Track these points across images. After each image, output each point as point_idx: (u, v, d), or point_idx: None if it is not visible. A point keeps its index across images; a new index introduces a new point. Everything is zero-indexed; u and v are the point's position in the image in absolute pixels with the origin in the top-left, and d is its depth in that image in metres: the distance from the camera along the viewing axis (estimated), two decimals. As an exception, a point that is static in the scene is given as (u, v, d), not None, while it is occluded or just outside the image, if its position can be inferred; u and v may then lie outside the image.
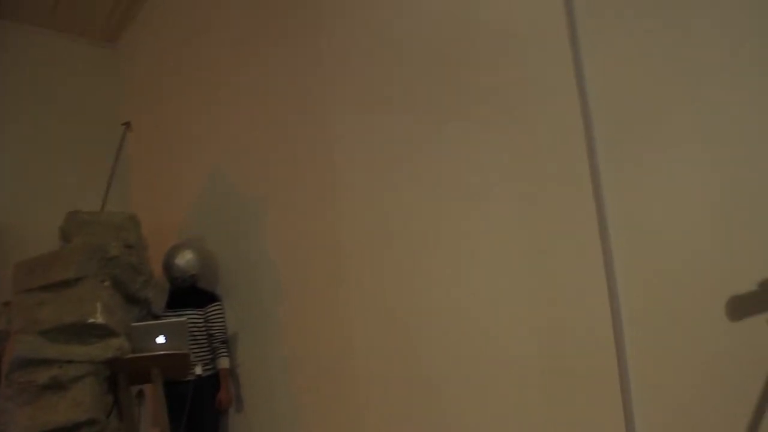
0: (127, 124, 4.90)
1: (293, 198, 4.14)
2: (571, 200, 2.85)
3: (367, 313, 3.69)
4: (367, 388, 3.68)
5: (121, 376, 3.80)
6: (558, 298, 2.92)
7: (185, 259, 4.43)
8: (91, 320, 3.60)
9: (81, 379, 3.60)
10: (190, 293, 4.44)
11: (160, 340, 3.82)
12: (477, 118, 3.18)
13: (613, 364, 2.71)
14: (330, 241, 3.89)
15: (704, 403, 2.50)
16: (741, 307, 2.42)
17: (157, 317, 4.16)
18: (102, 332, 3.66)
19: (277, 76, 4.27)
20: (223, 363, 4.37)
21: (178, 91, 5.18)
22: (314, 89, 4.00)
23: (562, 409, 2.90)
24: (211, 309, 4.40)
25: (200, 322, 4.35)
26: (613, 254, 2.73)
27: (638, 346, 2.68)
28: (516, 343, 3.04)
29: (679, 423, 2.57)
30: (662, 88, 2.62)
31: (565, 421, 2.89)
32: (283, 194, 4.22)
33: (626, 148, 2.70)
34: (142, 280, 4.01)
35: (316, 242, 3.98)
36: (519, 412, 3.02)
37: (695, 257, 2.53)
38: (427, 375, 3.39)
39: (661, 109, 2.61)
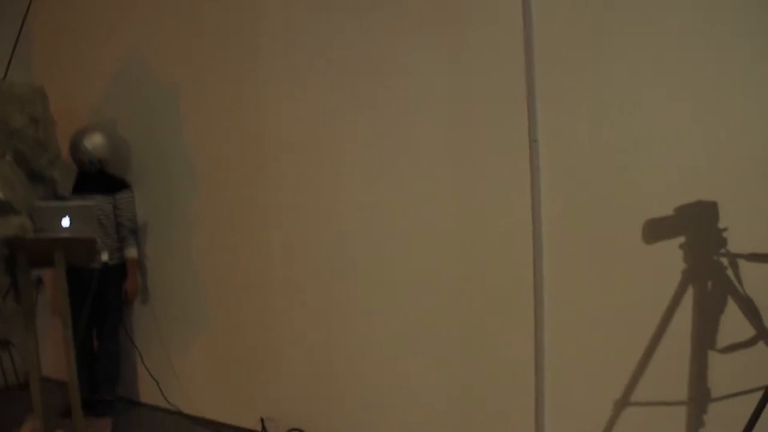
0: (34, -8, 4.51)
1: (215, 87, 3.96)
2: (504, 111, 2.86)
3: (285, 211, 3.64)
4: (277, 289, 3.67)
5: (20, 257, 3.59)
6: (482, 208, 2.97)
7: (93, 142, 4.18)
8: (-11, 195, 3.37)
9: (-24, 257, 3.39)
10: (99, 178, 4.22)
11: (65, 222, 3.63)
12: (416, 18, 3.11)
13: (528, 279, 2.81)
14: (252, 135, 3.77)
15: (612, 321, 2.64)
16: (657, 230, 2.54)
17: (63, 200, 3.93)
18: (1, 208, 3.43)
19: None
20: (131, 252, 4.23)
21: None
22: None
23: (475, 314, 3.00)
24: (120, 196, 4.21)
25: (108, 209, 4.17)
26: (540, 167, 2.79)
27: (555, 262, 2.78)
28: (437, 250, 3.09)
29: (586, 339, 2.70)
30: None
31: (477, 326, 2.99)
32: (204, 83, 4.01)
33: (564, 65, 2.71)
34: (48, 158, 3.74)
35: (238, 135, 3.85)
36: (434, 318, 3.10)
37: (617, 177, 2.61)
38: (343, 277, 3.41)
39: (604, 27, 2.62)
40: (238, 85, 3.81)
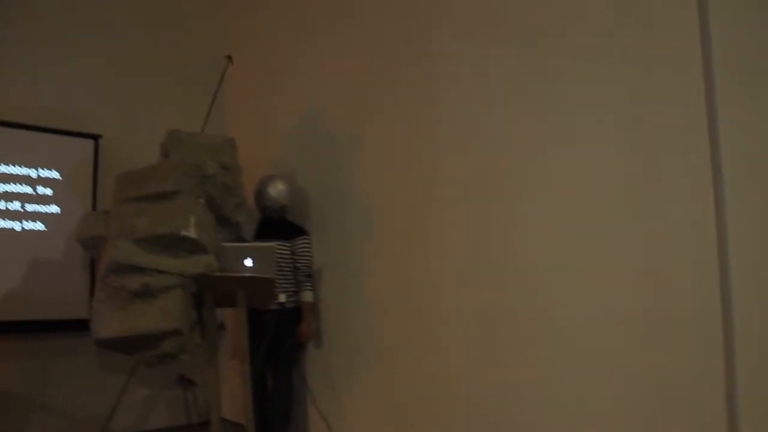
0: (229, 58, 4.94)
1: (389, 137, 4.06)
2: (684, 140, 2.64)
3: (456, 255, 3.57)
4: (452, 331, 3.57)
5: (207, 295, 3.82)
6: (662, 241, 2.71)
7: (277, 189, 4.42)
8: (184, 233, 3.61)
9: (170, 290, 3.63)
10: (280, 225, 4.43)
11: (248, 263, 3.82)
12: (592, 53, 2.98)
13: (717, 317, 2.50)
14: (424, 181, 3.78)
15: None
16: None
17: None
18: (193, 247, 3.68)
19: (381, 13, 4.17)
20: (307, 297, 4.35)
21: (279, 25, 5.18)
22: (419, 26, 3.88)
23: (660, 354, 2.70)
24: (298, 242, 4.38)
25: (287, 254, 4.34)
26: (726, 198, 2.51)
27: (746, 299, 2.46)
28: (616, 287, 2.85)
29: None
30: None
31: (662, 367, 2.69)
32: (379, 133, 4.14)
33: (748, 88, 2.47)
34: (235, 203, 4.01)
35: (410, 181, 3.88)
36: (615, 356, 2.83)
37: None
38: (517, 318, 3.25)
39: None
40: (413, 133, 3.88)
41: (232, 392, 5.17)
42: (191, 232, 3.64)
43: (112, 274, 3.65)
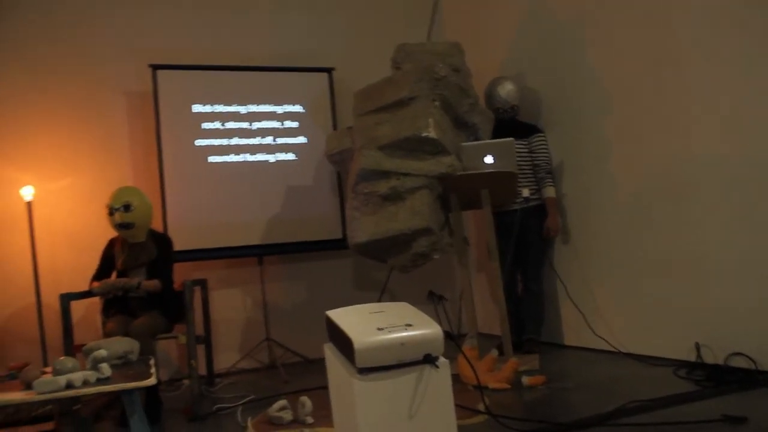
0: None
1: (619, 21, 3.84)
2: None
3: (708, 132, 3.28)
4: (706, 217, 3.34)
5: (452, 197, 3.89)
6: None
7: (506, 89, 4.36)
8: (425, 134, 3.71)
9: (417, 191, 3.76)
10: (513, 125, 4.38)
11: (488, 159, 3.82)
12: None
13: None
14: (663, 49, 3.52)
15: None
16: None
17: (483, 141, 4.16)
18: (434, 148, 3.76)
19: None
20: (549, 192, 4.27)
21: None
22: None
23: None
24: (534, 139, 4.30)
25: (525, 152, 4.28)
26: None
27: None
28: None
29: None
30: None
31: None
32: (608, 19, 3.93)
33: None
34: (469, 104, 4.02)
35: (647, 50, 3.65)
36: None
37: None
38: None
39: None
40: (646, 16, 3.63)
41: (481, 307, 5.26)
42: (431, 133, 3.72)
43: (362, 181, 3.86)
